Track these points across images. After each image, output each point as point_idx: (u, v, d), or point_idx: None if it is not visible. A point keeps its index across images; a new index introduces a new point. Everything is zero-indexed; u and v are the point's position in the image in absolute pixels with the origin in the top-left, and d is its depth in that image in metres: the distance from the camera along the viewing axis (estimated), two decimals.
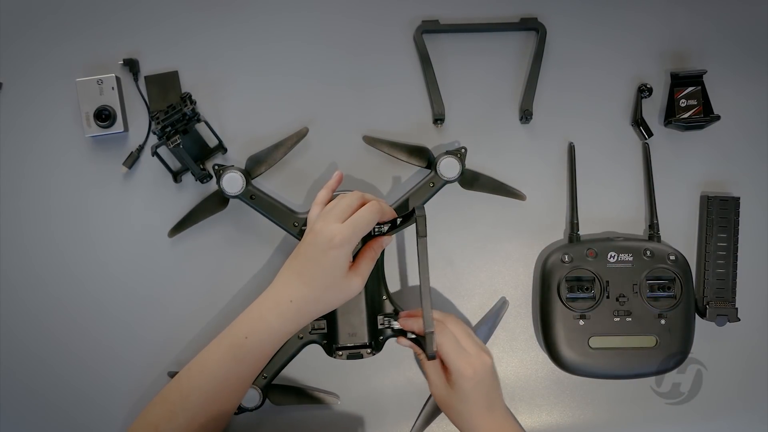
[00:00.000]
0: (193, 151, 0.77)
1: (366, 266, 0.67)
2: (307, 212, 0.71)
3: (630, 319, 0.76)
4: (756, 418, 0.81)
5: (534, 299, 0.81)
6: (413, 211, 0.65)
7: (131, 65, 0.79)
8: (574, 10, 0.82)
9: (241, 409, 0.74)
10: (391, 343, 0.75)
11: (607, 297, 0.76)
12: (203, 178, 0.78)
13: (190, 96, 0.74)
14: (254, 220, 0.78)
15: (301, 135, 0.78)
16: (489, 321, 0.80)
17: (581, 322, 0.76)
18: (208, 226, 0.79)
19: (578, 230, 0.80)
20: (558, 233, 0.82)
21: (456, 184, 0.78)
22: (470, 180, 0.79)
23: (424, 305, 0.65)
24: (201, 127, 0.77)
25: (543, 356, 0.80)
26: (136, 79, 0.80)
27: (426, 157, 0.78)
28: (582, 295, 0.76)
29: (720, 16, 0.82)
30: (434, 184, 0.76)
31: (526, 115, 0.80)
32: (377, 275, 0.75)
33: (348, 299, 0.67)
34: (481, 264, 0.81)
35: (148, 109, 0.80)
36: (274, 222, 0.76)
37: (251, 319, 0.67)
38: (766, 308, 0.81)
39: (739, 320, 0.78)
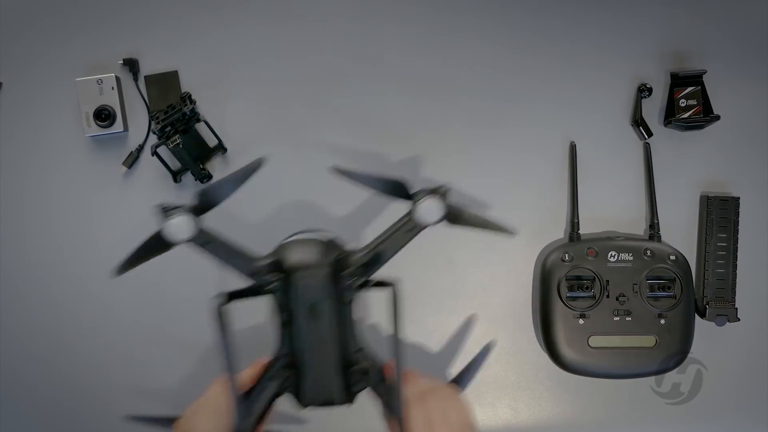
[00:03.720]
0: (193, 151, 0.77)
1: None
2: (266, 258, 0.64)
3: (630, 318, 0.76)
4: (756, 418, 0.81)
5: (534, 298, 0.81)
6: (387, 283, 0.61)
7: (131, 65, 0.79)
8: (573, 10, 0.82)
9: None
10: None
11: (607, 296, 0.76)
12: (203, 178, 0.79)
13: (190, 96, 0.74)
14: (259, 220, 0.78)
15: (255, 166, 0.68)
16: (473, 367, 0.73)
17: (581, 321, 0.76)
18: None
19: (579, 229, 0.80)
20: (558, 232, 0.82)
21: None
22: (453, 218, 0.66)
23: (398, 387, 0.61)
24: (201, 127, 0.78)
25: (543, 355, 0.80)
26: (136, 79, 0.80)
27: (404, 192, 0.66)
28: (582, 294, 0.76)
29: (720, 16, 0.82)
30: (412, 230, 0.64)
31: None
32: (345, 327, 0.65)
33: None
34: (481, 263, 0.81)
35: (148, 108, 0.80)
36: (232, 269, 0.65)
37: None
38: (766, 308, 0.81)
39: (739, 320, 0.78)
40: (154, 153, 0.74)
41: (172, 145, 0.72)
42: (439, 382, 0.66)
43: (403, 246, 0.65)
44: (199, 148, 0.79)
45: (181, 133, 0.74)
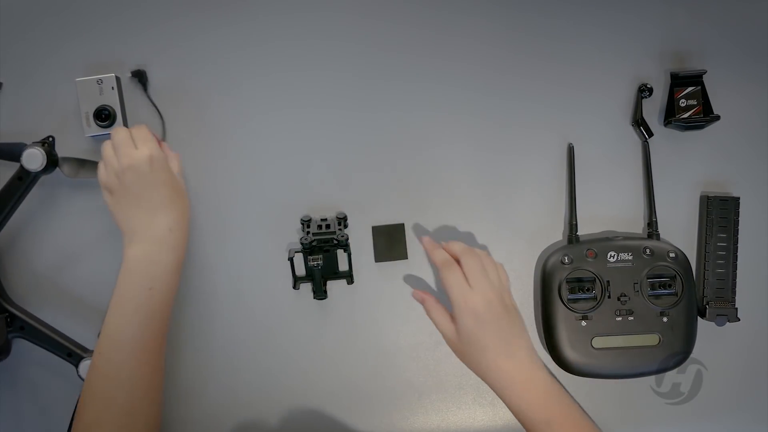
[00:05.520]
0: (325, 270, 0.78)
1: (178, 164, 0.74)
2: None
3: (632, 318, 0.76)
4: (756, 418, 0.81)
5: (535, 301, 0.81)
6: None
7: (140, 76, 0.79)
8: (573, 10, 0.82)
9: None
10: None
11: (609, 297, 0.76)
12: (321, 297, 0.79)
13: (346, 218, 0.78)
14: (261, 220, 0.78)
15: None
16: None
17: (583, 323, 0.76)
18: (216, 221, 0.79)
19: (577, 231, 0.80)
20: (557, 234, 0.82)
21: None
22: (70, 170, 0.76)
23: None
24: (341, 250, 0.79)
25: (545, 357, 0.80)
26: (145, 89, 0.79)
27: (14, 155, 0.74)
28: (583, 295, 0.76)
29: (720, 16, 0.82)
30: (23, 178, 0.73)
31: None
32: None
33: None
34: None
35: (161, 118, 0.79)
36: None
37: (144, 268, 0.67)
38: (766, 308, 0.81)
39: (739, 320, 0.78)
40: (290, 259, 0.77)
41: (312, 263, 0.75)
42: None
43: (19, 197, 0.73)
44: (329, 268, 0.79)
45: (324, 252, 0.76)
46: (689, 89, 0.80)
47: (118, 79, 0.79)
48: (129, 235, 0.68)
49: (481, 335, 0.66)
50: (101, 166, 0.71)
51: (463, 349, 0.68)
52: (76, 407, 0.77)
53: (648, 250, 0.77)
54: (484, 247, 0.81)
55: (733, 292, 0.79)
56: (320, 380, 0.80)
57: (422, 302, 0.72)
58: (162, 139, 0.77)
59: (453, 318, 0.68)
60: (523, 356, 0.67)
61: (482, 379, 0.68)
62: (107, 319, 0.66)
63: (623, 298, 0.76)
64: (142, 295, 0.66)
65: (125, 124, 0.79)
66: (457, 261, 0.70)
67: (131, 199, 0.68)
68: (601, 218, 0.82)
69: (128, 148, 0.69)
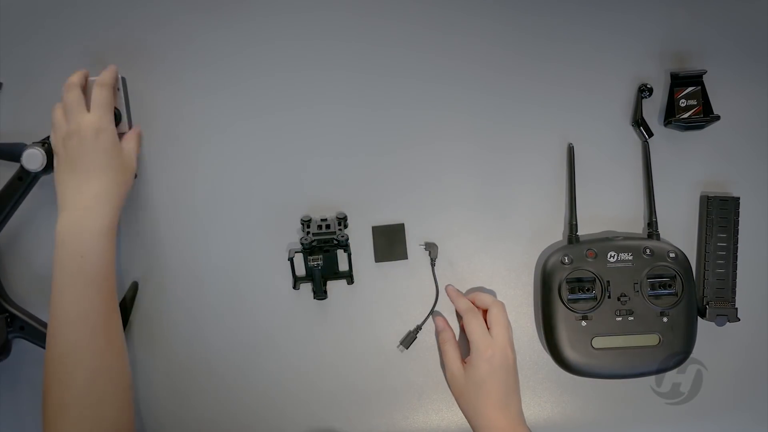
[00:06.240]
0: (324, 270, 0.78)
1: (135, 141, 0.75)
2: None
3: (632, 318, 0.76)
4: (756, 418, 0.81)
5: (535, 301, 0.81)
6: None
7: None
8: (573, 10, 0.82)
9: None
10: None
11: (609, 297, 0.76)
12: (321, 297, 0.79)
13: (346, 218, 0.78)
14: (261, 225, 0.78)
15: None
16: None
17: (583, 323, 0.76)
18: (216, 221, 0.79)
19: (577, 231, 0.80)
20: (557, 234, 0.82)
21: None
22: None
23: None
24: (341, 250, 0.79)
25: (543, 355, 0.80)
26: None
27: (14, 155, 0.74)
28: (583, 296, 0.76)
29: (720, 16, 0.82)
30: (23, 179, 0.73)
31: None
32: None
33: (134, 168, 0.74)
34: (481, 265, 0.81)
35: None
36: None
37: (72, 236, 0.66)
38: (766, 308, 0.81)
39: (739, 320, 0.78)
40: (290, 259, 0.77)
41: (312, 264, 0.75)
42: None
43: (18, 197, 0.73)
44: (329, 269, 0.79)
45: (324, 253, 0.77)
46: (689, 89, 0.80)
47: (123, 79, 0.78)
48: (60, 204, 0.69)
49: (489, 383, 0.71)
50: (51, 132, 0.71)
51: (465, 389, 0.73)
52: None
53: (648, 250, 0.77)
54: (484, 247, 0.81)
55: (733, 292, 0.79)
56: (320, 380, 0.80)
57: (441, 331, 0.78)
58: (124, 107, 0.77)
59: (465, 359, 0.74)
60: (513, 411, 0.72)
61: (468, 421, 0.73)
62: (51, 296, 0.66)
63: (623, 298, 0.76)
64: (74, 263, 0.66)
65: (130, 125, 0.79)
66: (484, 310, 0.76)
67: (68, 165, 0.69)
68: (601, 218, 0.82)
69: (78, 114, 0.69)
